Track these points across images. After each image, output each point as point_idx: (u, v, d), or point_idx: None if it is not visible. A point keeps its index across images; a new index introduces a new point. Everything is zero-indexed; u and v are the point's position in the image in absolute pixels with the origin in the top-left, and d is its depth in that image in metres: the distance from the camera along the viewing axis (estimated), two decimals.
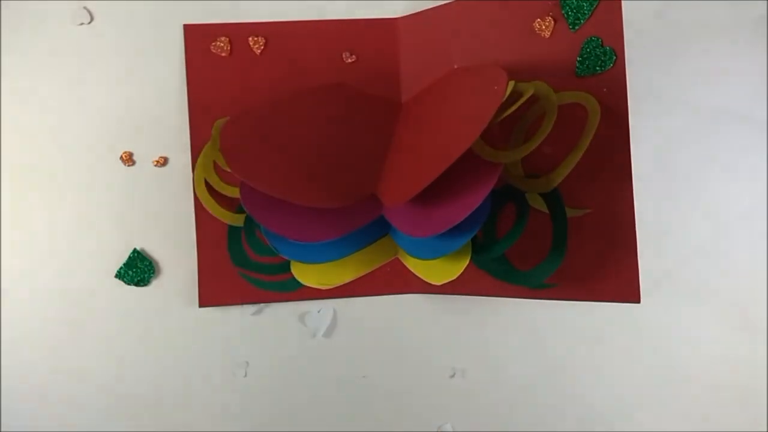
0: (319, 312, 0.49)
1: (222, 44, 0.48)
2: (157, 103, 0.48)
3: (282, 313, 0.49)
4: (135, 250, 0.48)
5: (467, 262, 0.42)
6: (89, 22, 0.49)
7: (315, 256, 0.44)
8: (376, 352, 0.50)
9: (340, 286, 0.45)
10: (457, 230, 0.40)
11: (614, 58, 0.44)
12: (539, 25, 0.45)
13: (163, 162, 0.48)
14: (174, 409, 0.49)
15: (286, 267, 0.46)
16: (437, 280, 0.43)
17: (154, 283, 0.49)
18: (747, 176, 0.47)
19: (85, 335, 0.48)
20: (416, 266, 0.45)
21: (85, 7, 0.48)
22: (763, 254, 0.47)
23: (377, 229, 0.45)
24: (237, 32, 0.48)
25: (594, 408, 0.49)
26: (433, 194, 0.40)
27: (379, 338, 0.50)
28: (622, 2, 0.44)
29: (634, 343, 0.48)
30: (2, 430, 0.47)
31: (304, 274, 0.45)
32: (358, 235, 0.45)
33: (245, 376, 0.49)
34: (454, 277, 0.42)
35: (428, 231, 0.40)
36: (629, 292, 0.44)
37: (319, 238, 0.42)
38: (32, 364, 0.48)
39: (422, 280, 0.44)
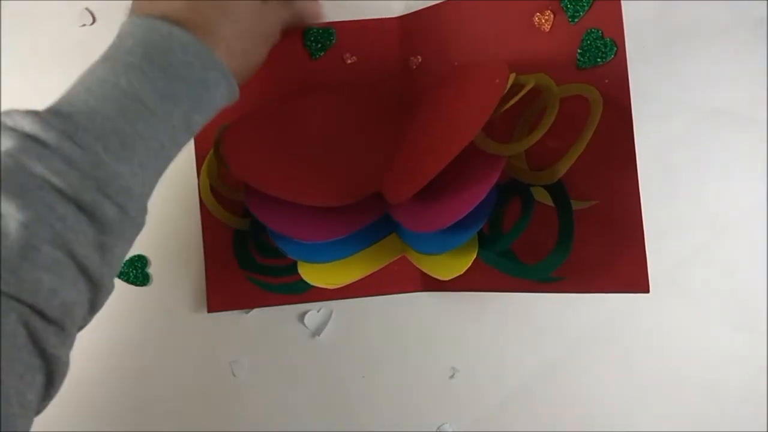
0: (319, 312, 0.49)
1: None
2: None
3: (282, 313, 0.49)
4: (138, 255, 0.48)
5: (474, 256, 0.42)
6: (91, 24, 0.49)
7: (322, 255, 0.44)
8: (376, 352, 0.50)
9: (348, 286, 0.44)
10: (462, 224, 0.40)
11: (615, 49, 0.43)
12: (539, 19, 0.45)
13: None
14: (174, 408, 0.49)
15: (293, 268, 0.46)
16: (445, 276, 0.42)
17: (154, 283, 0.49)
18: (747, 176, 0.47)
19: (84, 334, 0.48)
20: (424, 262, 0.45)
21: (87, 9, 0.49)
22: (763, 254, 0.46)
23: (383, 227, 0.45)
24: None
25: (594, 408, 0.49)
26: (437, 189, 0.40)
27: (379, 338, 0.50)
28: (622, 3, 0.44)
29: (634, 342, 0.48)
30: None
31: (312, 274, 0.45)
32: (364, 234, 0.44)
33: (245, 376, 0.49)
34: (462, 272, 0.42)
35: (434, 226, 0.40)
36: (638, 282, 0.42)
37: (325, 237, 0.42)
38: None
39: (429, 277, 0.44)
